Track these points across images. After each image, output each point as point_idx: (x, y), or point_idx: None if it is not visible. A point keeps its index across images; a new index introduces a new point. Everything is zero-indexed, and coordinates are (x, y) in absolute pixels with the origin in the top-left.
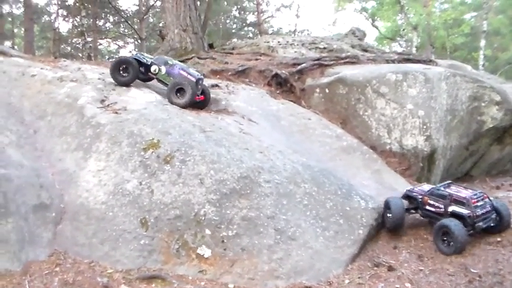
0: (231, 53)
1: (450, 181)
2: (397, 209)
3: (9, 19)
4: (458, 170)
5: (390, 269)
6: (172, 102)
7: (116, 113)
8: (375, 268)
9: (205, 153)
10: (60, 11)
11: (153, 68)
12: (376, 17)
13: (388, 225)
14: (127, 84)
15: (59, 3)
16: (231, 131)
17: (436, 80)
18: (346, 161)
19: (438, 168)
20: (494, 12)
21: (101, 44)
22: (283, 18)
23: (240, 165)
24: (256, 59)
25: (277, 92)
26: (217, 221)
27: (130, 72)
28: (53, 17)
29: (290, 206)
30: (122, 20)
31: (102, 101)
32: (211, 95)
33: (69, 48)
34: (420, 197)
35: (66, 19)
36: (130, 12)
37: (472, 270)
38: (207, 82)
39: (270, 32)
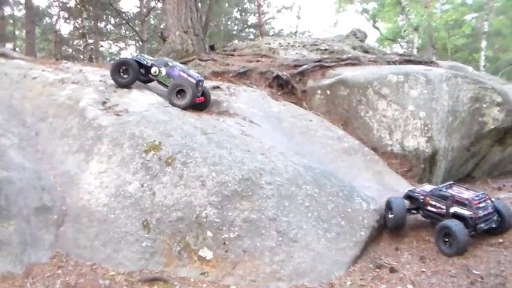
0: (232, 55)
1: (452, 182)
2: (399, 209)
3: (11, 21)
4: (460, 171)
5: (392, 270)
6: (172, 104)
7: (118, 115)
8: (377, 270)
9: (207, 155)
10: (62, 13)
11: (153, 70)
12: (377, 18)
13: (389, 225)
14: (127, 86)
15: (60, 5)
16: (233, 132)
17: (437, 81)
18: (347, 163)
19: (439, 170)
20: (495, 13)
21: (102, 46)
22: (284, 19)
23: (242, 167)
24: (258, 61)
25: (279, 93)
26: (219, 223)
27: (131, 74)
28: (54, 19)
29: (292, 208)
30: (123, 22)
31: (104, 103)
32: (213, 97)
33: (70, 50)
34: (422, 197)
35: (68, 21)
36: (131, 14)
37: (474, 272)
38: (208, 84)
39: (271, 33)
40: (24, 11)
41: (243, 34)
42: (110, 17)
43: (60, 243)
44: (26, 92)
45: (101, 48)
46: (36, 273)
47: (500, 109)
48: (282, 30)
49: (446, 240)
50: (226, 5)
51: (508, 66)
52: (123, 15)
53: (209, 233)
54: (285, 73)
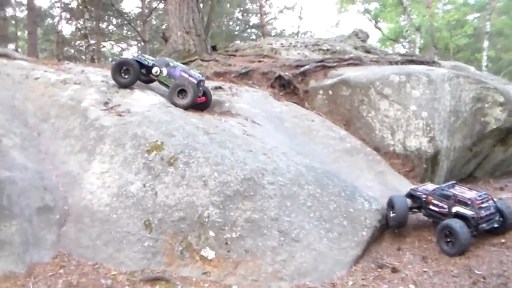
0: (234, 55)
1: (454, 181)
2: (401, 207)
3: (13, 22)
4: (462, 171)
5: (394, 270)
6: (174, 104)
7: (120, 115)
8: (379, 270)
9: (209, 155)
10: (64, 14)
11: (154, 70)
12: (379, 19)
13: (391, 224)
14: (128, 86)
15: (62, 6)
16: (235, 133)
17: (439, 81)
18: (349, 163)
19: (442, 170)
20: (497, 13)
21: (104, 47)
22: (286, 20)
23: (244, 167)
24: (259, 61)
25: (281, 93)
26: (221, 222)
27: (132, 74)
28: (56, 19)
29: (294, 208)
30: (125, 22)
31: (106, 103)
32: (215, 97)
33: (72, 51)
34: (424, 196)
35: (70, 22)
36: (133, 15)
37: (476, 272)
38: (210, 84)
39: (273, 33)
40: (26, 12)
41: (245, 35)
42: (111, 17)
43: (62, 243)
44: (28, 92)
45: (103, 49)
46: (38, 273)
47: (503, 109)
48: (284, 30)
49: (448, 240)
50: (228, 5)
51: (510, 66)
52: (125, 15)
53: (211, 233)
54: (287, 73)
